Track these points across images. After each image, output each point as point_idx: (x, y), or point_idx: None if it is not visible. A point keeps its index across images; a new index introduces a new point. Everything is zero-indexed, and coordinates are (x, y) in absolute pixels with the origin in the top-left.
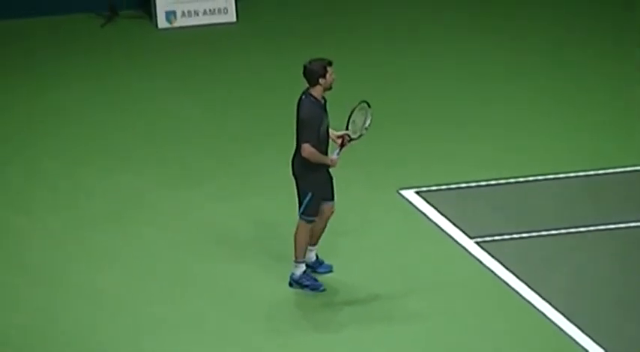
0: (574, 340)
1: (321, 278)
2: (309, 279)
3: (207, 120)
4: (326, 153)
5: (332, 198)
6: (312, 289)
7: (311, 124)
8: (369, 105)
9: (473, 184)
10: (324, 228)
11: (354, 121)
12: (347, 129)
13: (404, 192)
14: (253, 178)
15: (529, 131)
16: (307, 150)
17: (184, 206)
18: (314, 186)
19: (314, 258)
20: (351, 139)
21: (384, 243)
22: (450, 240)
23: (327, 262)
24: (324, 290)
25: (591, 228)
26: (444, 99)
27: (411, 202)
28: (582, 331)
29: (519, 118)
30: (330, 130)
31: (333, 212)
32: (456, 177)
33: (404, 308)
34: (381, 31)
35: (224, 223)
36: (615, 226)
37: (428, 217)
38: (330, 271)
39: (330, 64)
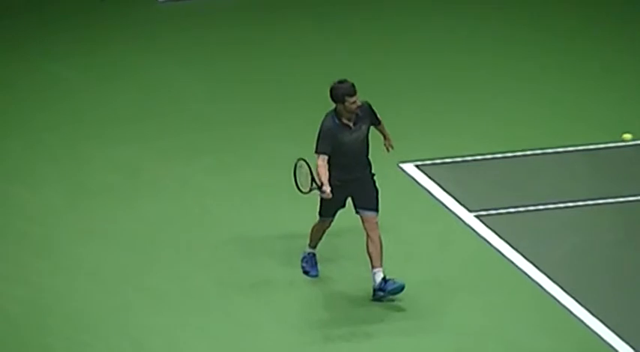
0: (573, 314)
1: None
2: (308, 264)
3: (207, 93)
4: (348, 166)
5: (370, 208)
6: (304, 272)
7: (320, 138)
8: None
9: (474, 158)
10: (375, 243)
11: (301, 183)
12: (298, 188)
13: (404, 166)
14: (252, 152)
15: (530, 105)
16: (317, 161)
17: (183, 179)
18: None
19: (377, 280)
20: (303, 193)
21: (384, 216)
22: (450, 213)
23: (399, 280)
24: (313, 275)
25: (592, 202)
26: (445, 72)
27: (411, 176)
28: (581, 305)
29: (521, 92)
30: None
31: (374, 222)
32: (456, 150)
33: (400, 278)
34: (387, 4)
35: (222, 197)
36: (616, 200)
37: (428, 191)
38: (401, 287)
39: (351, 94)
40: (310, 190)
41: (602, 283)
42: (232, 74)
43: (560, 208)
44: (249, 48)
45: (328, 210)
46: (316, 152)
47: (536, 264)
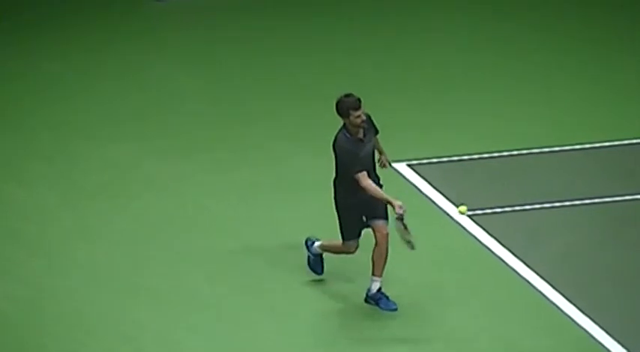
0: (564, 312)
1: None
2: (316, 265)
3: (205, 92)
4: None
5: (379, 216)
6: (311, 269)
7: (348, 158)
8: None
9: (465, 157)
10: (382, 253)
11: (409, 240)
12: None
13: (395, 165)
14: (250, 151)
15: (523, 104)
16: (362, 181)
17: (180, 177)
18: (341, 210)
19: (374, 289)
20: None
21: None
22: (442, 212)
23: (393, 303)
24: (319, 273)
25: (583, 202)
26: (438, 70)
27: (402, 175)
28: (572, 303)
29: (513, 91)
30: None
31: (384, 232)
32: (447, 149)
33: (393, 279)
34: (387, 4)
35: (219, 196)
36: (606, 200)
37: (419, 190)
38: (393, 310)
39: (356, 108)
40: (409, 237)
41: (596, 283)
42: (231, 73)
43: (551, 208)
44: (248, 47)
45: (351, 231)
46: (354, 173)
47: (527, 263)
